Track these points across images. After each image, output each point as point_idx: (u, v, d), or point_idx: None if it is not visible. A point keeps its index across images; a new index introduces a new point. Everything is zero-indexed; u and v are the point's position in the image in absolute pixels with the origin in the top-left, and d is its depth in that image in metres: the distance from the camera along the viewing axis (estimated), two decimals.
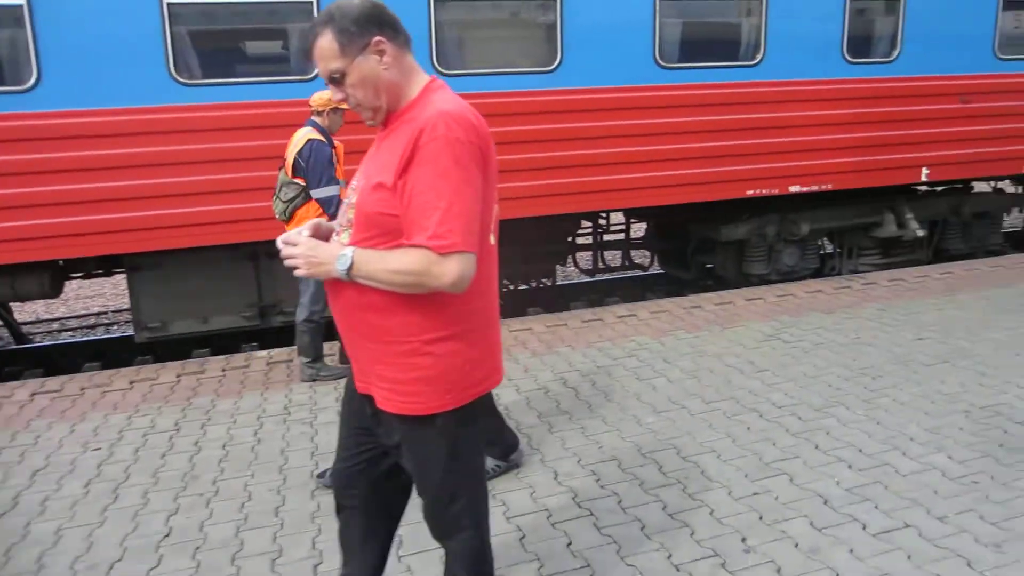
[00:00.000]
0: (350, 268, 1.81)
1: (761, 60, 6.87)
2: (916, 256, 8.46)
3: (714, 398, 4.51)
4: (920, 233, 8.05)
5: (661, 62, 6.54)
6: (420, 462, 2.02)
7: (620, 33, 6.40)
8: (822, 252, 8.35)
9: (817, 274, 8.14)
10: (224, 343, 7.10)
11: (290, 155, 4.74)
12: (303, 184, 4.72)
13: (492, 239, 1.97)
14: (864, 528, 3.06)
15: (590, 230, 8.03)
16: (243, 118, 5.73)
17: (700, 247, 8.02)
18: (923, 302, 6.42)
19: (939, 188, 8.72)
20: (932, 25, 7.38)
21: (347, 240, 1.90)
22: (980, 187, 9.12)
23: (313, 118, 4.85)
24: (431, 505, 2.06)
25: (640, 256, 9.21)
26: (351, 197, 1.94)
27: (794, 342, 5.48)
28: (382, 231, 1.83)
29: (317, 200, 4.70)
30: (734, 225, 7.48)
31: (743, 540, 3.02)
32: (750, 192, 7.13)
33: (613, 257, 10.57)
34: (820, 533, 3.04)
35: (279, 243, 1.94)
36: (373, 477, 2.17)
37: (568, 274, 10.59)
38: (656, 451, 3.84)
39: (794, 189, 7.28)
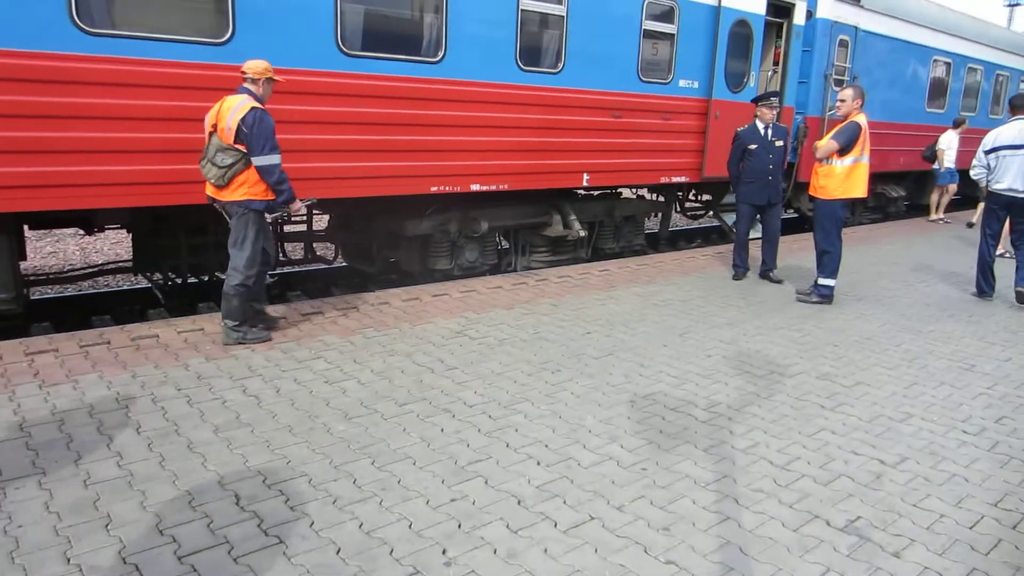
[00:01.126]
0: None
1: (443, 58, 6.94)
2: (578, 254, 9.28)
3: (407, 400, 4.41)
4: (582, 233, 8.84)
5: (344, 48, 6.28)
6: None
7: (300, 12, 5.99)
8: (499, 248, 8.75)
9: (495, 270, 8.52)
10: None
11: (232, 121, 4.82)
12: (244, 151, 4.87)
13: None
14: (555, 525, 3.16)
15: (269, 220, 7.49)
16: None
17: (385, 241, 7.92)
18: (587, 297, 7.01)
19: (596, 193, 9.65)
20: (591, 44, 8.09)
21: None
22: (627, 194, 10.30)
23: (247, 86, 5.02)
24: None
25: (324, 249, 8.85)
26: None
27: (480, 338, 5.61)
28: None
29: (259, 167, 4.92)
30: (418, 220, 7.50)
31: (443, 552, 2.94)
32: (434, 188, 7.19)
33: (294, 249, 10.06)
34: (516, 535, 3.07)
35: None
36: None
37: None
38: (350, 462, 3.61)
39: (475, 187, 7.49)
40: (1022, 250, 7.70)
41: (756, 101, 8.18)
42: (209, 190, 5.08)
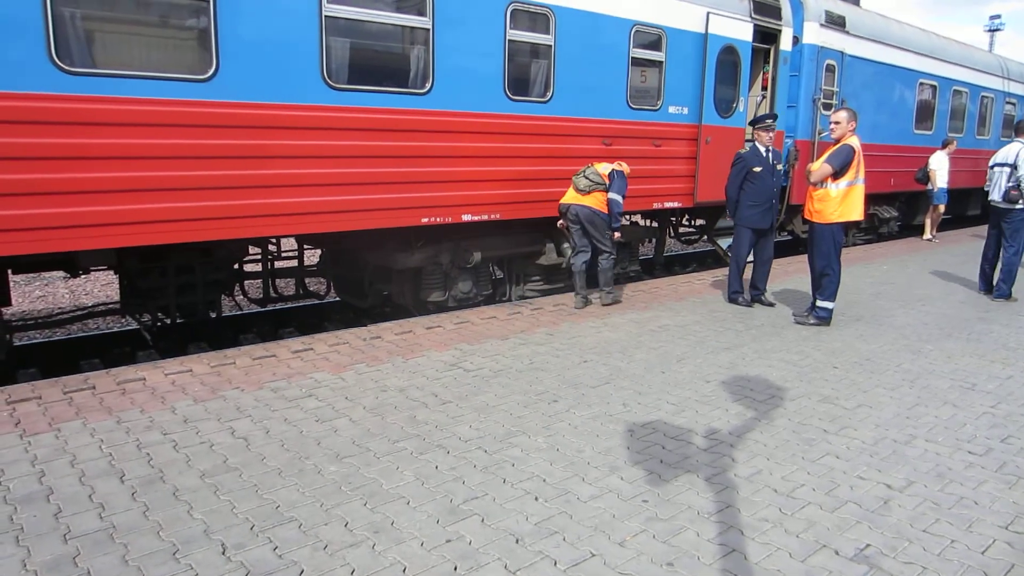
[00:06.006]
0: None
1: (431, 89, 6.92)
2: (572, 282, 9.19)
3: (400, 437, 4.29)
4: None
5: (330, 81, 6.25)
6: None
7: (284, 46, 5.97)
8: (493, 278, 8.68)
9: (490, 300, 8.43)
10: None
11: (608, 169, 7.60)
12: (607, 183, 7.52)
13: None
14: (555, 564, 3.04)
15: (259, 256, 7.42)
16: None
17: (377, 274, 7.85)
18: (583, 325, 6.93)
19: None
20: (579, 73, 8.10)
21: None
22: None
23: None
24: None
25: (315, 284, 8.77)
26: None
27: (475, 371, 5.51)
28: None
29: (611, 199, 7.54)
30: (409, 253, 7.44)
31: None
32: (425, 220, 7.14)
33: (286, 285, 9.98)
34: None
35: None
36: None
37: (236, 304, 9.75)
38: (341, 504, 3.49)
39: (466, 218, 7.44)
40: (1005, 255, 8.72)
41: (754, 124, 8.06)
42: (570, 197, 7.59)
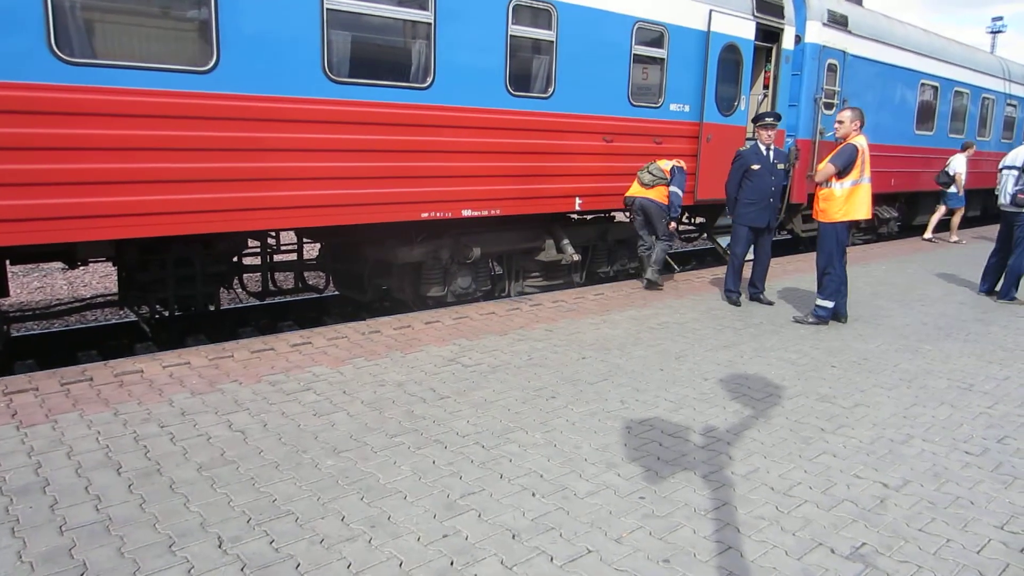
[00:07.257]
0: None
1: (432, 84, 6.91)
2: (572, 279, 9.21)
3: (397, 431, 4.29)
4: (576, 258, 8.77)
5: (331, 75, 6.24)
6: None
7: (285, 39, 5.95)
8: (493, 274, 8.68)
9: (489, 296, 8.43)
10: None
11: (669, 165, 8.37)
12: (668, 178, 8.30)
13: None
14: (552, 560, 3.04)
15: (258, 249, 7.42)
16: None
17: (376, 269, 7.84)
18: (582, 322, 6.92)
19: (589, 217, 9.61)
20: (581, 69, 8.08)
21: None
22: (620, 217, 10.25)
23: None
24: None
25: (315, 278, 8.76)
26: None
27: (473, 366, 5.51)
28: None
29: (672, 192, 8.33)
30: (409, 247, 7.43)
31: None
32: (425, 215, 7.13)
33: (285, 278, 9.98)
34: (511, 571, 2.95)
35: None
36: None
37: (235, 297, 9.74)
38: (338, 498, 3.49)
39: (466, 213, 7.43)
40: (1013, 258, 8.55)
41: (755, 122, 8.07)
42: (635, 190, 8.45)
